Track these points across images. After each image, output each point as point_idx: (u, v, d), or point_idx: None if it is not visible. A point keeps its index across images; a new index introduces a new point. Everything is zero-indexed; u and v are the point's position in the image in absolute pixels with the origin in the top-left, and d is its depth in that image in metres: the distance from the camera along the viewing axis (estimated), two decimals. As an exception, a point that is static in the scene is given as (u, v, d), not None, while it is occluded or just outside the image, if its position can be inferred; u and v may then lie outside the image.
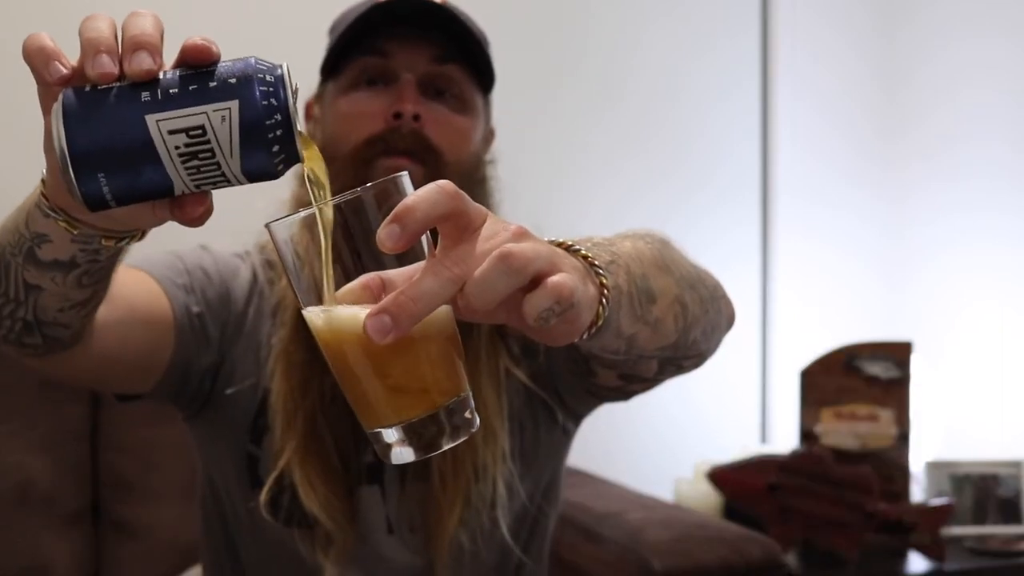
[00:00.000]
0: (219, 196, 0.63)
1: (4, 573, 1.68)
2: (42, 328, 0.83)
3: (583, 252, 0.64)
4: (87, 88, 0.58)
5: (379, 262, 0.59)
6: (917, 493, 2.13)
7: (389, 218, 0.54)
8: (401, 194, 0.58)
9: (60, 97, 0.58)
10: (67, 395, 1.78)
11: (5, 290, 0.80)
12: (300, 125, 0.60)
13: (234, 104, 0.57)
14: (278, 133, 0.58)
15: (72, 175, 0.57)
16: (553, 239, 0.64)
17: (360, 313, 0.56)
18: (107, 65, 0.58)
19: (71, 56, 0.64)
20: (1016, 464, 2.17)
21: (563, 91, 2.39)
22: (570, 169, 2.38)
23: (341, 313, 0.58)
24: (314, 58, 1.14)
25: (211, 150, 0.57)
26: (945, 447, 2.32)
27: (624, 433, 2.38)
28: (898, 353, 2.09)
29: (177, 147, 0.57)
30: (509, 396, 1.10)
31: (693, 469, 2.18)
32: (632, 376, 1.00)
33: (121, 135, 0.56)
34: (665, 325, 0.77)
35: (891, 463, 2.05)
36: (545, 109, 2.36)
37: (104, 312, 0.87)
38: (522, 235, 0.58)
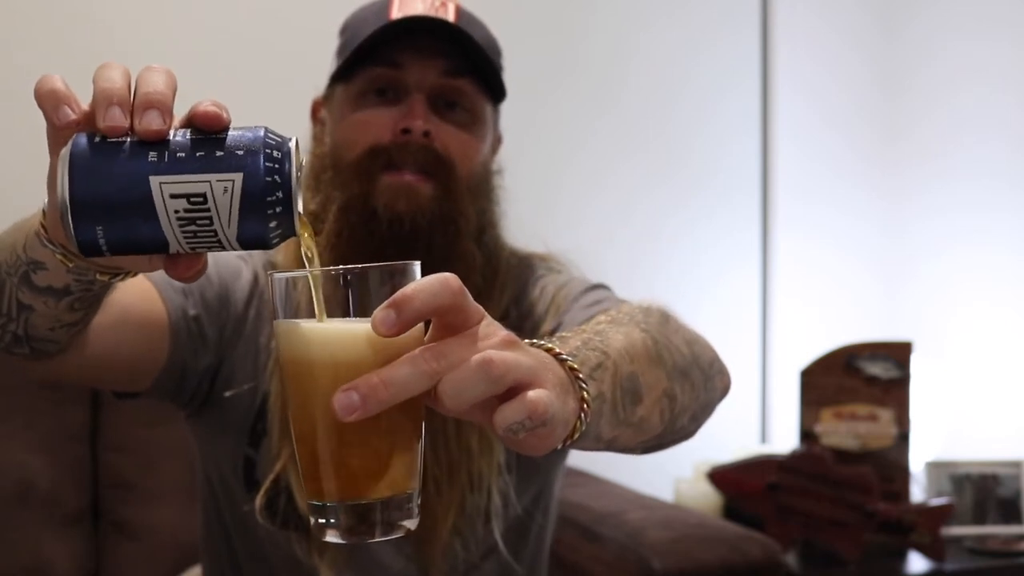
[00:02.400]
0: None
1: (4, 573, 1.68)
2: (31, 342, 0.83)
3: (569, 363, 0.63)
4: (97, 139, 0.58)
5: None
6: (917, 493, 2.13)
7: (387, 303, 0.54)
8: (408, 279, 0.58)
9: (70, 144, 0.58)
10: (67, 395, 1.78)
11: None
12: (300, 203, 0.60)
13: (238, 176, 0.57)
14: (278, 210, 0.58)
15: (70, 222, 0.58)
16: (543, 342, 0.64)
17: (356, 329, 0.56)
18: (118, 119, 0.58)
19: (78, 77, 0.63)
20: (1016, 464, 2.17)
21: (563, 91, 2.39)
22: (570, 169, 2.38)
23: (336, 327, 0.57)
24: (320, 56, 1.14)
25: (209, 217, 0.58)
26: (945, 447, 2.32)
27: (624, 433, 2.38)
28: (898, 353, 2.09)
29: (176, 211, 0.57)
30: None
31: (693, 469, 2.18)
32: None
33: (123, 191, 0.57)
34: (650, 422, 0.77)
35: (891, 463, 2.05)
36: (545, 109, 2.36)
37: (98, 316, 0.87)
38: (511, 343, 0.57)
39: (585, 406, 0.63)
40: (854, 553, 1.89)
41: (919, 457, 2.16)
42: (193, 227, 0.58)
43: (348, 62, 1.05)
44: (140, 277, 1.02)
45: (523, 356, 0.57)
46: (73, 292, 0.74)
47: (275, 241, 0.60)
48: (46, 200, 0.67)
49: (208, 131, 0.58)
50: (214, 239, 0.59)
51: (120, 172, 0.57)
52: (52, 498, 1.74)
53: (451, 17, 1.05)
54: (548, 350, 0.63)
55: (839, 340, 2.16)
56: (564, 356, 0.63)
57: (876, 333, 2.37)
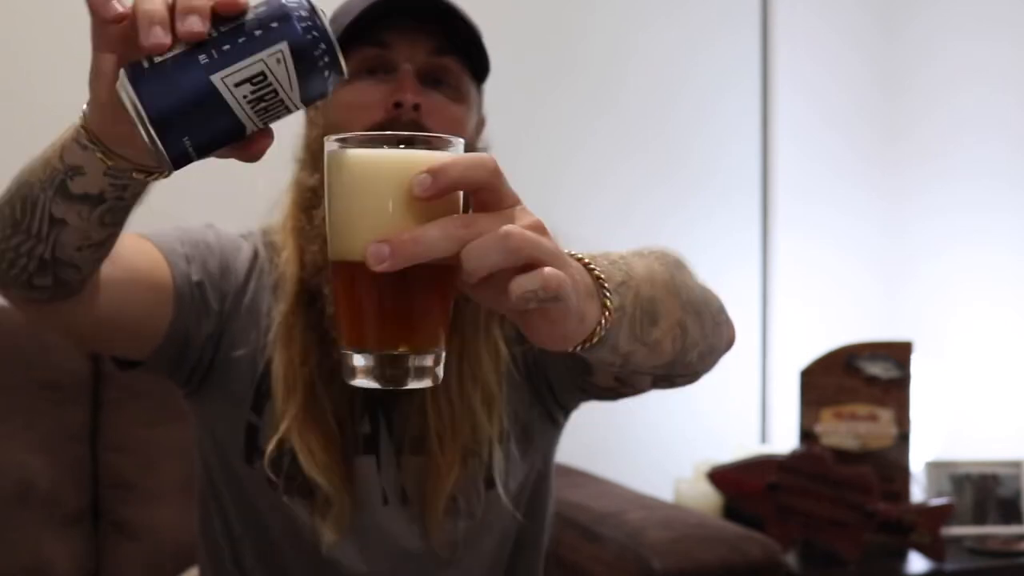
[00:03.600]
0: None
1: (4, 573, 1.69)
2: (56, 268, 0.85)
3: (597, 272, 0.67)
4: (146, 63, 0.63)
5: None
6: (917, 493, 2.13)
7: (425, 168, 0.58)
8: (451, 151, 0.63)
9: (125, 78, 0.62)
10: (67, 395, 1.78)
11: (28, 225, 0.82)
12: (336, 43, 0.65)
13: (283, 45, 0.62)
14: (326, 59, 0.64)
15: (159, 144, 0.62)
16: (575, 252, 0.67)
17: (412, 160, 0.59)
18: (160, 36, 0.61)
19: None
20: (1016, 464, 2.17)
21: (563, 91, 2.39)
22: (570, 169, 2.38)
23: (393, 156, 0.61)
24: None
25: (274, 90, 0.63)
26: (945, 447, 2.32)
27: (624, 433, 2.38)
28: (898, 353, 2.09)
29: (245, 96, 0.62)
30: (505, 375, 1.11)
31: (693, 469, 2.18)
32: (627, 381, 1.02)
33: (194, 98, 0.62)
34: (663, 346, 0.79)
35: (891, 463, 2.05)
36: (545, 109, 2.36)
37: (106, 270, 0.91)
38: (539, 228, 0.61)
39: (607, 313, 0.67)
40: (854, 553, 1.89)
41: (919, 457, 2.16)
42: (263, 104, 0.63)
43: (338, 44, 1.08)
44: (147, 242, 1.07)
45: (548, 242, 0.60)
46: (107, 199, 0.77)
47: (332, 86, 0.66)
48: (86, 104, 0.73)
49: (236, 17, 0.63)
50: (282, 107, 0.64)
51: (185, 83, 0.62)
52: (52, 498, 1.73)
53: None
54: (579, 259, 0.67)
55: (839, 340, 2.16)
56: (592, 265, 0.67)
57: (876, 333, 2.37)
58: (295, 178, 1.12)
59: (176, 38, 0.62)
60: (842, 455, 2.03)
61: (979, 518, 2.13)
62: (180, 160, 0.64)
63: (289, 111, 0.65)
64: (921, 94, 2.58)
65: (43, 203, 0.80)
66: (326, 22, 0.64)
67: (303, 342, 1.07)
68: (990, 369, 2.37)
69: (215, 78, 0.61)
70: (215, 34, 0.62)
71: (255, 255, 1.15)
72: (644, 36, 2.46)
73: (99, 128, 0.73)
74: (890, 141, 2.63)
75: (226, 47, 0.62)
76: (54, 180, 0.78)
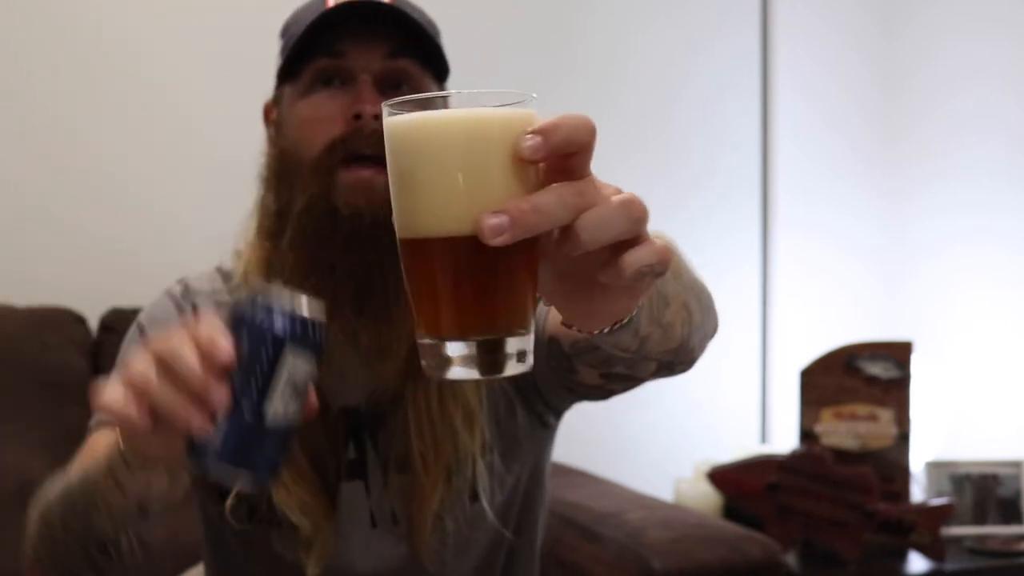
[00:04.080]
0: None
1: (4, 573, 1.68)
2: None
3: None
4: (203, 441, 0.67)
5: None
6: (917, 493, 2.12)
7: (534, 129, 0.54)
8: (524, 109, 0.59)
9: (192, 458, 0.68)
10: (67, 395, 1.78)
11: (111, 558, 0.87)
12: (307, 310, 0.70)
13: (289, 346, 0.67)
14: (318, 322, 0.70)
15: (249, 478, 0.69)
16: None
17: (513, 120, 0.55)
18: (201, 422, 0.66)
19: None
20: (1016, 464, 2.17)
21: (562, 91, 2.39)
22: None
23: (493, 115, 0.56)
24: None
25: (304, 370, 0.68)
26: (945, 447, 2.32)
27: (624, 433, 2.38)
28: (898, 353, 2.09)
29: (288, 391, 0.68)
30: (488, 385, 1.10)
31: (693, 469, 2.18)
32: (614, 376, 0.99)
33: (258, 434, 0.67)
34: (674, 329, 0.79)
35: (891, 463, 2.05)
36: (544, 110, 2.36)
37: None
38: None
39: None
40: (854, 553, 1.89)
41: (919, 457, 2.16)
42: (301, 385, 0.69)
43: (290, 58, 1.06)
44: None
45: None
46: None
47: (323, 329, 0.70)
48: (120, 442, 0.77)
49: (232, 360, 0.66)
50: (313, 370, 0.70)
51: (246, 431, 0.67)
52: (52, 498, 1.73)
53: None
54: None
55: (839, 340, 2.16)
56: None
57: (876, 333, 2.37)
58: (259, 200, 1.09)
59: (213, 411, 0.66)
60: (842, 455, 2.03)
61: (979, 518, 2.13)
62: (269, 475, 0.69)
63: (318, 367, 0.70)
64: (921, 94, 2.58)
65: (127, 539, 0.85)
66: (288, 297, 0.68)
67: None
68: (990, 369, 2.37)
69: (263, 410, 0.67)
70: (236, 381, 0.67)
71: (178, 310, 1.12)
72: (644, 36, 2.46)
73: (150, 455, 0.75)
74: (890, 141, 2.63)
75: (253, 382, 0.66)
76: (127, 515, 0.82)
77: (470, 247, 0.54)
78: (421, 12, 1.09)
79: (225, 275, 1.14)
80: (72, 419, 1.79)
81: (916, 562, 1.94)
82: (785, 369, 2.44)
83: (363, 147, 1.00)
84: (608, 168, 2.41)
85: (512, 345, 0.57)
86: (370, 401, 1.05)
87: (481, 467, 1.07)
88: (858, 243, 2.62)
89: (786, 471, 1.97)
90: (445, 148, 0.55)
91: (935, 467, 2.18)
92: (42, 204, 2.02)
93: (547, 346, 1.01)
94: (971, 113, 2.44)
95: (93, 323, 1.89)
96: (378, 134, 0.99)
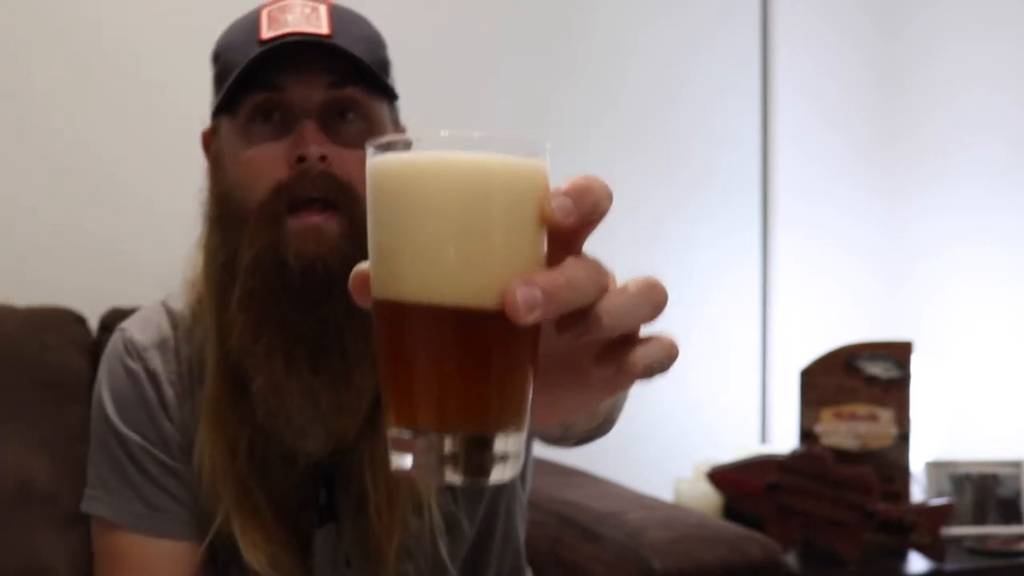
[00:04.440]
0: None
1: (4, 573, 1.68)
2: None
3: None
4: None
5: None
6: (917, 493, 2.13)
7: (564, 190, 0.49)
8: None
9: None
10: (67, 395, 1.78)
11: None
12: None
13: None
14: None
15: None
16: None
17: (536, 173, 0.47)
18: None
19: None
20: (1016, 464, 2.17)
21: (562, 91, 2.39)
22: (569, 169, 2.37)
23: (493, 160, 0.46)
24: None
25: None
26: (945, 447, 2.32)
27: (624, 433, 2.38)
28: (898, 353, 2.09)
29: None
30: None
31: (693, 469, 2.18)
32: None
33: None
34: (619, 408, 0.76)
35: (891, 463, 2.05)
36: (544, 109, 2.36)
37: None
38: None
39: None
40: (854, 553, 1.89)
41: (919, 457, 2.16)
42: None
43: (227, 94, 0.99)
44: (147, 548, 1.07)
45: None
46: None
47: None
48: None
49: None
50: None
51: None
52: (52, 498, 1.73)
53: (324, 25, 0.99)
54: None
55: (839, 340, 2.16)
56: None
57: (876, 333, 2.37)
58: (204, 241, 1.05)
59: None
60: (842, 455, 2.03)
61: (979, 518, 2.13)
62: None
63: None
64: (921, 94, 2.58)
65: None
66: None
67: (231, 430, 1.01)
68: (990, 369, 2.37)
69: None
70: None
71: (150, 378, 1.09)
72: (644, 36, 2.46)
73: None
74: (890, 141, 2.63)
75: None
76: None
77: (467, 321, 0.45)
78: (363, 28, 1.03)
79: (172, 315, 1.10)
80: (72, 419, 1.79)
81: (916, 562, 1.94)
82: (785, 369, 2.44)
83: (309, 191, 0.95)
84: (608, 168, 2.43)
85: (502, 444, 0.47)
86: (334, 452, 1.03)
87: (436, 510, 1.05)
88: (858, 243, 2.62)
89: (786, 471, 1.97)
90: (449, 197, 0.46)
91: (935, 467, 2.18)
92: (42, 204, 2.02)
93: None
94: (971, 113, 2.44)
95: (93, 323, 1.89)
96: (325, 175, 0.95)
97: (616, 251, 2.65)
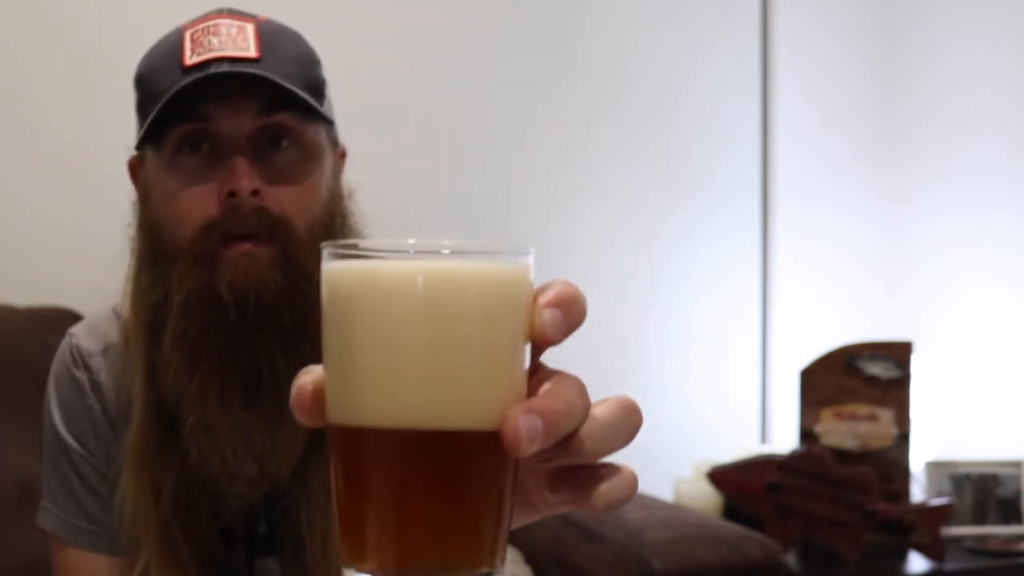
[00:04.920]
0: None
1: (4, 572, 1.68)
2: None
3: None
4: None
5: None
6: (917, 493, 2.12)
7: (550, 300, 0.44)
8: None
9: None
10: (67, 395, 1.78)
11: None
12: None
13: None
14: None
15: None
16: None
17: (522, 281, 0.43)
18: None
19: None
20: (1016, 464, 2.17)
21: (562, 92, 2.39)
22: (569, 169, 2.38)
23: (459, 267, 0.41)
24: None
25: None
26: (945, 447, 2.32)
27: (624, 433, 2.38)
28: (898, 353, 2.09)
29: None
30: None
31: (693, 469, 2.18)
32: None
33: None
34: None
35: (891, 463, 2.05)
36: (544, 110, 2.36)
37: None
38: None
39: None
40: (854, 553, 1.89)
41: (919, 457, 2.16)
42: None
43: (152, 125, 0.96)
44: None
45: None
46: None
47: None
48: None
49: None
50: None
51: None
52: (52, 498, 1.73)
53: (252, 47, 0.94)
54: None
55: (839, 340, 2.16)
56: None
57: (876, 333, 2.37)
58: (134, 276, 1.02)
59: None
60: (842, 455, 2.03)
61: (979, 518, 2.13)
62: None
63: None
64: (921, 94, 2.58)
65: None
66: None
67: (155, 475, 0.99)
68: (990, 369, 2.37)
69: None
70: None
71: (89, 383, 1.08)
72: (644, 36, 2.45)
73: None
74: (890, 141, 2.63)
75: None
76: None
77: (441, 447, 0.41)
78: (295, 51, 0.99)
79: (121, 322, 1.08)
80: (72, 419, 1.79)
81: (916, 562, 1.94)
82: (785, 369, 2.44)
83: (241, 227, 0.93)
84: (608, 168, 2.43)
85: None
86: (269, 494, 1.01)
87: None
88: (858, 243, 2.61)
89: (786, 471, 1.97)
90: (425, 311, 0.41)
91: (935, 467, 2.18)
92: (42, 204, 2.02)
93: None
94: (971, 113, 2.44)
95: (93, 323, 1.89)
96: (257, 211, 0.92)
97: (616, 252, 2.67)
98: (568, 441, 0.44)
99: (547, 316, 0.44)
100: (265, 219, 0.93)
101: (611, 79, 2.43)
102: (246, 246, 0.92)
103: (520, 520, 0.50)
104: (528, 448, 0.41)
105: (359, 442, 0.42)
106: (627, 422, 0.47)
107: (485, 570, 0.43)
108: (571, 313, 0.45)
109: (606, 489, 0.47)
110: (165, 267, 0.97)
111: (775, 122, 2.54)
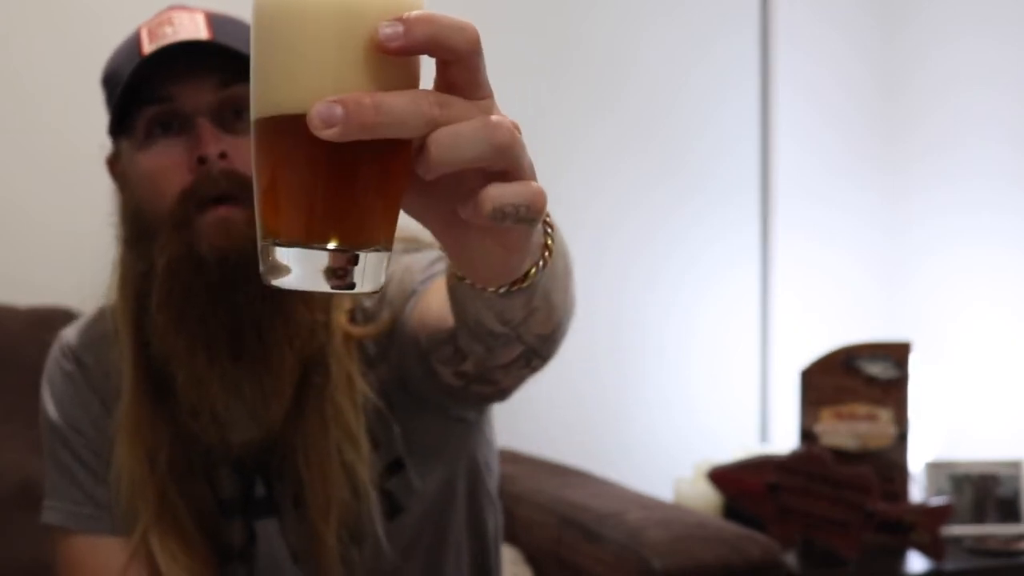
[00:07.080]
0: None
1: (4, 573, 1.69)
2: None
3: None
4: None
5: None
6: (916, 493, 2.13)
7: (397, 18, 0.48)
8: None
9: None
10: (67, 395, 1.78)
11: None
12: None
13: None
14: None
15: None
16: None
17: (377, 5, 0.48)
18: None
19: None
20: (1016, 464, 2.17)
21: (561, 91, 2.39)
22: (569, 169, 2.38)
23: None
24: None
25: None
26: (945, 447, 2.32)
27: (624, 433, 2.38)
28: (897, 353, 2.09)
29: None
30: (375, 398, 1.06)
31: (693, 469, 2.18)
32: (468, 375, 0.93)
33: None
34: (556, 312, 0.76)
35: (891, 463, 2.05)
36: (543, 109, 2.36)
37: None
38: (517, 129, 0.51)
39: (547, 253, 0.61)
40: (854, 553, 1.89)
41: (919, 457, 2.16)
42: None
43: (119, 112, 1.02)
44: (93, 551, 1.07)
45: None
46: None
47: None
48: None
49: None
50: None
51: None
52: (52, 498, 1.73)
53: (203, 31, 1.00)
54: None
55: (839, 340, 2.16)
56: None
57: (876, 333, 2.38)
58: (120, 258, 1.06)
59: None
60: (842, 455, 2.03)
61: (978, 518, 2.13)
62: None
63: None
64: (921, 94, 2.58)
65: None
66: None
67: (150, 439, 1.02)
68: (990, 369, 2.37)
69: None
70: None
71: (80, 374, 1.11)
72: (644, 36, 2.46)
73: None
74: (890, 141, 2.63)
75: None
76: None
77: (307, 136, 0.47)
78: (245, 34, 1.01)
79: (111, 317, 1.11)
80: (72, 419, 1.79)
81: (916, 562, 1.94)
82: (785, 369, 2.44)
83: (214, 190, 0.97)
84: (608, 168, 2.43)
85: (346, 260, 0.50)
86: (264, 442, 1.03)
87: (371, 489, 1.04)
88: (858, 243, 2.62)
89: (786, 471, 1.97)
90: (293, 23, 0.49)
91: (935, 467, 2.18)
92: (42, 204, 2.02)
93: (413, 348, 0.99)
94: (971, 113, 2.44)
95: (93, 323, 1.89)
96: (227, 173, 0.97)
97: (616, 252, 2.67)
98: (419, 149, 0.48)
99: (381, 26, 0.47)
100: (235, 180, 0.97)
101: (611, 79, 2.43)
102: (222, 210, 0.97)
103: (484, 254, 0.54)
104: (324, 130, 0.46)
105: (262, 128, 0.51)
106: (482, 133, 0.48)
107: (374, 247, 0.50)
108: (413, 28, 0.47)
109: (496, 192, 0.49)
110: (148, 242, 1.00)
111: (775, 122, 2.55)
